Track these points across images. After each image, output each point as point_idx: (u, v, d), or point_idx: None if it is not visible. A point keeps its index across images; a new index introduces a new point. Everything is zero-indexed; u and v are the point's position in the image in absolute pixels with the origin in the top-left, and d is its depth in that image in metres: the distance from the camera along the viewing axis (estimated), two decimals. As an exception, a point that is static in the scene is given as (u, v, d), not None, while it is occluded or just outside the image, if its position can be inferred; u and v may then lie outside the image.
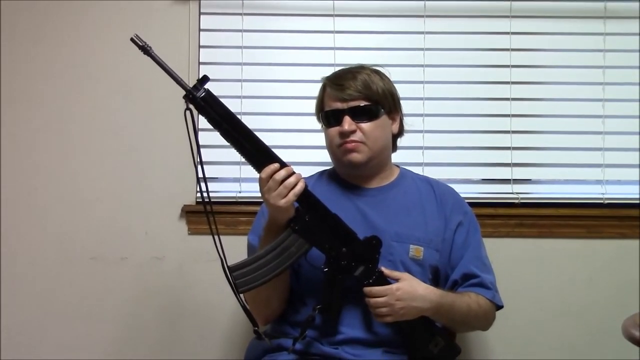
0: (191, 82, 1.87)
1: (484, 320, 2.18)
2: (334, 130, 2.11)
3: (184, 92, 1.85)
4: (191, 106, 1.85)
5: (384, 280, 2.00)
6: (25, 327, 2.70)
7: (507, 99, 2.78)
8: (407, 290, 1.98)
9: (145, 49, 1.81)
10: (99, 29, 2.73)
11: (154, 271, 2.72)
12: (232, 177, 2.76)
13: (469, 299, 2.09)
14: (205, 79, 1.86)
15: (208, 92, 1.86)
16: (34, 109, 2.71)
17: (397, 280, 2.00)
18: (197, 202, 2.70)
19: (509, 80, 2.79)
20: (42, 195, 2.72)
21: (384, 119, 2.14)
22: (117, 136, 2.72)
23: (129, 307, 2.72)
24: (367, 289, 1.98)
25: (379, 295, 1.96)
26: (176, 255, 2.72)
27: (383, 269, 2.01)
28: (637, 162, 2.79)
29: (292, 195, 1.89)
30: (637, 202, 2.76)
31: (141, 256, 2.72)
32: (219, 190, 2.73)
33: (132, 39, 1.81)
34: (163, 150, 2.70)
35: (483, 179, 2.83)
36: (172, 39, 2.68)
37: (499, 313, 2.20)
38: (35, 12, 2.71)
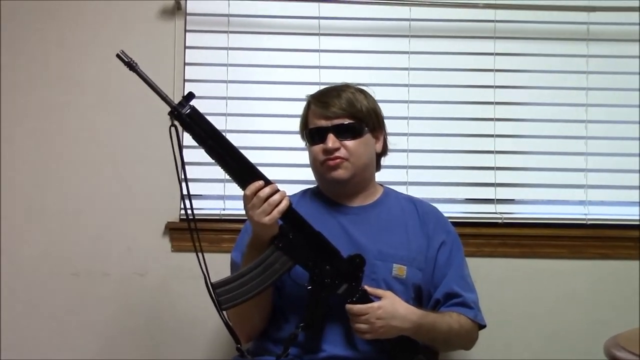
0: (176, 99, 1.87)
1: (466, 340, 2.18)
2: (318, 147, 2.12)
3: (169, 109, 1.85)
4: (176, 123, 1.85)
5: (367, 298, 2.00)
6: (6, 343, 2.68)
7: (491, 119, 2.80)
8: (389, 309, 1.98)
9: (131, 65, 1.81)
10: (86, 45, 2.73)
11: (136, 287, 2.70)
12: (217, 195, 2.75)
13: (451, 319, 2.09)
14: (190, 95, 1.86)
15: (193, 108, 1.86)
16: (18, 122, 2.71)
17: (379, 297, 2.00)
18: (181, 219, 2.69)
19: (493, 100, 2.80)
20: (23, 211, 2.70)
21: (367, 137, 2.15)
22: (102, 152, 2.72)
23: (111, 324, 2.70)
24: (349, 307, 1.98)
25: (361, 314, 1.96)
26: (159, 272, 2.71)
27: (366, 286, 2.01)
28: (620, 184, 2.82)
29: (276, 212, 1.89)
30: (630, 223, 2.79)
31: (124, 272, 2.70)
32: (203, 208, 2.72)
33: (118, 55, 1.81)
34: (147, 166, 2.70)
35: (467, 199, 2.84)
36: (158, 55, 2.69)
37: (481, 332, 2.20)
38: (25, 28, 2.72)
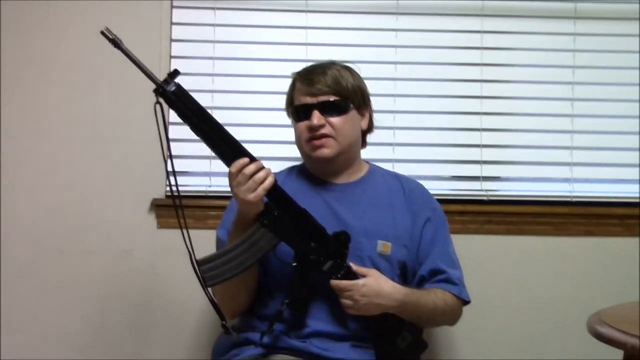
0: (162, 76, 1.86)
1: (450, 317, 2.20)
2: (303, 124, 2.12)
3: (154, 86, 1.84)
4: (161, 100, 1.84)
5: (352, 275, 2.01)
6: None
7: (478, 97, 2.80)
8: (373, 287, 1.99)
9: (116, 42, 1.79)
10: (70, 21, 2.70)
11: (122, 265, 2.70)
12: (202, 172, 2.75)
13: (435, 297, 2.10)
14: (175, 72, 1.85)
15: (178, 86, 1.85)
16: (1, 101, 2.68)
17: (364, 276, 2.01)
18: (167, 196, 2.69)
19: (479, 78, 2.81)
20: (9, 189, 2.69)
21: (353, 114, 2.16)
22: (86, 129, 2.70)
23: (98, 301, 2.70)
24: (334, 282, 1.99)
25: (345, 290, 1.98)
26: (145, 249, 2.71)
27: (351, 264, 2.02)
28: (604, 161, 2.84)
29: (261, 189, 1.89)
30: (615, 200, 2.81)
31: (110, 250, 2.70)
32: (188, 185, 2.72)
33: (102, 32, 1.79)
34: (133, 143, 2.68)
35: (453, 176, 2.84)
36: (144, 32, 2.66)
37: (466, 308, 2.22)
38: (6, 7, 2.67)
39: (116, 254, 2.70)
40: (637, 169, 2.82)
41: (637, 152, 2.82)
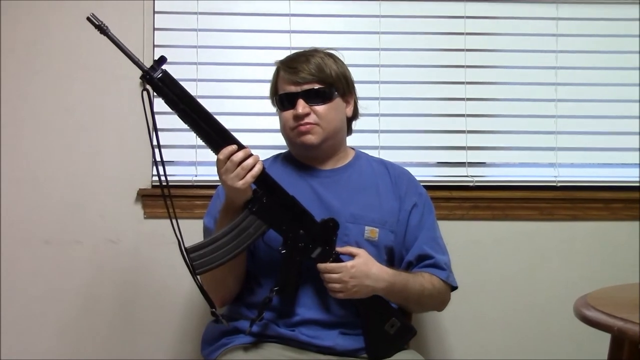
0: (147, 65, 1.85)
1: (438, 301, 2.20)
2: (288, 113, 2.12)
3: (140, 73, 1.84)
4: (148, 87, 1.84)
5: (340, 261, 2.01)
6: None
7: (462, 83, 2.81)
8: (361, 269, 2.00)
9: (102, 29, 1.79)
10: (53, 7, 2.68)
11: (109, 255, 2.69)
12: (188, 161, 2.74)
13: (423, 279, 2.11)
14: (162, 59, 1.84)
15: (165, 72, 1.85)
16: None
17: (353, 256, 2.02)
18: (153, 186, 2.68)
19: (463, 64, 2.81)
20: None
21: (337, 101, 2.16)
22: (72, 118, 2.68)
23: (85, 291, 2.69)
24: (322, 266, 1.99)
25: (333, 272, 1.98)
26: (132, 239, 2.70)
27: (338, 248, 2.03)
28: (589, 146, 2.85)
29: (249, 176, 1.90)
30: (599, 185, 2.82)
31: (96, 240, 2.69)
32: (175, 174, 2.71)
33: (88, 18, 1.79)
34: (118, 133, 2.67)
35: (438, 162, 2.85)
36: (127, 20, 2.64)
37: (453, 294, 2.22)
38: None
39: (103, 244, 2.69)
40: (623, 153, 2.85)
41: (623, 136, 2.84)
